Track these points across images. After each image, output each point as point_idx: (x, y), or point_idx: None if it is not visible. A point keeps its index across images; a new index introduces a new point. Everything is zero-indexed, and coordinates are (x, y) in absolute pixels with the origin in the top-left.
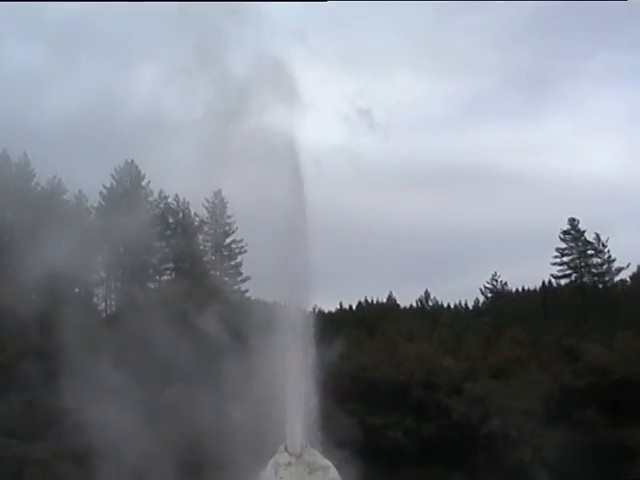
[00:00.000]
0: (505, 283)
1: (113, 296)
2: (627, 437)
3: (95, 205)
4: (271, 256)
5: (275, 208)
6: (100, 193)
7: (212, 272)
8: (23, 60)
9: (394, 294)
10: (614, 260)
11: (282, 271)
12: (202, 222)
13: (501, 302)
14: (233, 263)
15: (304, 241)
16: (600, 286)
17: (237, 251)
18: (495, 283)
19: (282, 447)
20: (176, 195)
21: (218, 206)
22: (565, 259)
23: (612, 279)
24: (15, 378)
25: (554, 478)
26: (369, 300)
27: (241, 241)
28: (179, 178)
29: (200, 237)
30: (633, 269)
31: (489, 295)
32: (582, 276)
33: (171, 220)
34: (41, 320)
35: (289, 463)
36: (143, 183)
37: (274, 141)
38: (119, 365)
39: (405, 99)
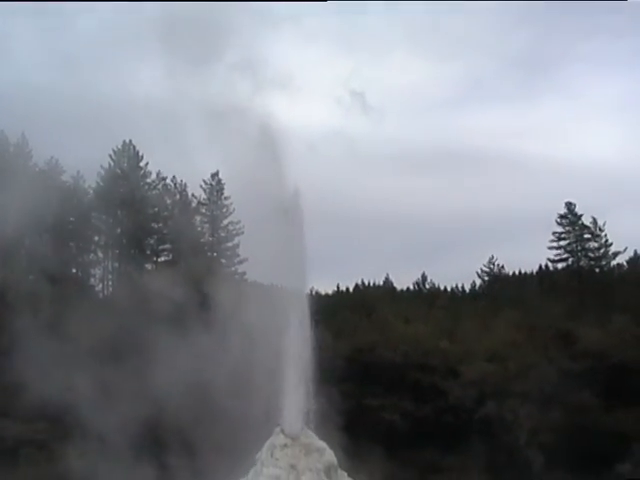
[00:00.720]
0: (502, 266)
1: (110, 277)
2: (622, 421)
3: (93, 186)
4: (267, 239)
5: (268, 190)
6: (98, 174)
7: (209, 253)
8: (21, 41)
9: (391, 277)
10: (611, 244)
11: (278, 254)
12: (199, 203)
13: (498, 285)
14: (230, 244)
15: (299, 224)
16: (597, 270)
17: (234, 233)
18: (492, 266)
19: (278, 429)
20: (174, 176)
21: (215, 187)
22: (562, 243)
23: (609, 263)
24: (12, 359)
25: (549, 461)
26: (366, 283)
27: (238, 222)
28: (176, 159)
29: (197, 218)
30: (630, 253)
31: (486, 278)
32: (579, 260)
33: (169, 201)
34: (37, 301)
35: (285, 445)
36: (141, 164)
37: (264, 124)
38: (115, 347)
39: (402, 83)
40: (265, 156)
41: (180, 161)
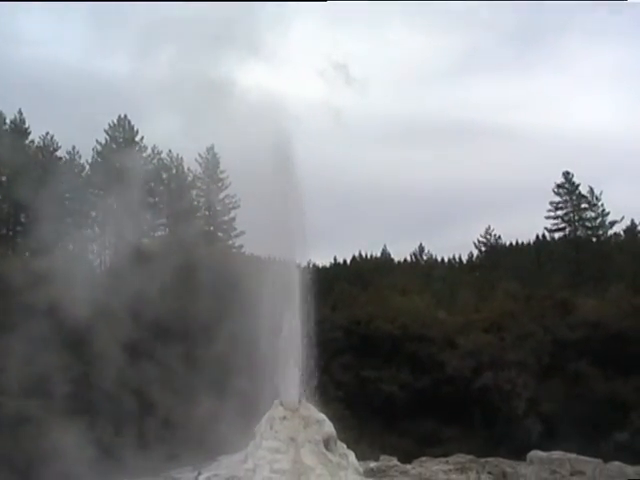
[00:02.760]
0: (499, 237)
1: (107, 252)
2: (620, 390)
3: (89, 161)
4: (264, 211)
5: (264, 163)
6: (94, 149)
7: (206, 227)
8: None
9: (388, 248)
10: (608, 214)
11: (276, 226)
12: (195, 177)
13: (495, 256)
14: (226, 218)
15: (297, 196)
16: (594, 240)
17: (230, 206)
18: (489, 237)
19: (277, 401)
20: (169, 151)
21: (211, 161)
22: (559, 213)
23: (606, 233)
24: (11, 334)
25: (548, 430)
26: (363, 255)
27: (234, 196)
28: (171, 134)
29: (194, 192)
30: (627, 223)
31: (483, 249)
32: (576, 230)
33: (164, 176)
34: (35, 277)
35: (284, 417)
36: (137, 139)
37: (259, 98)
38: (113, 320)
39: (395, 54)
40: (258, 128)
41: (175, 135)
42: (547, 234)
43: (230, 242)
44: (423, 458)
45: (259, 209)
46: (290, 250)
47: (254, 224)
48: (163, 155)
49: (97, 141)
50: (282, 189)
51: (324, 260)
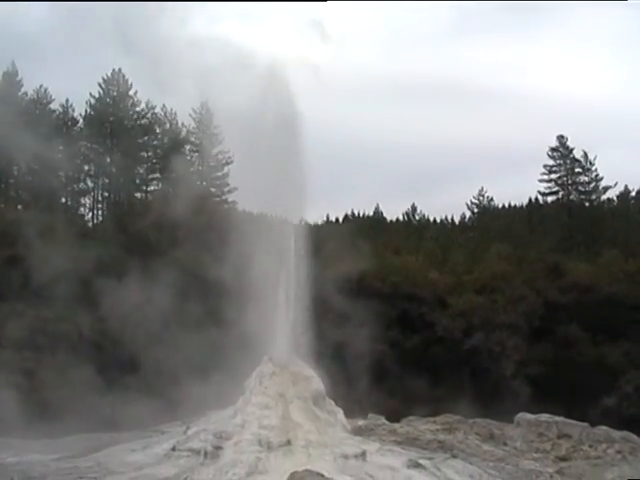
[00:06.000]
0: (491, 199)
1: (100, 206)
2: (609, 354)
3: (82, 114)
4: (262, 168)
5: (265, 120)
6: (87, 102)
7: (199, 182)
8: None
9: (381, 208)
10: (601, 178)
11: (275, 183)
12: (189, 132)
13: (487, 217)
14: (220, 174)
15: (297, 153)
16: (587, 204)
17: (224, 162)
18: (481, 198)
19: (267, 357)
20: (163, 105)
21: (205, 116)
22: (552, 176)
23: (599, 197)
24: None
25: (536, 393)
26: (356, 213)
27: (228, 152)
28: (166, 89)
29: (187, 147)
30: (620, 188)
31: (475, 210)
32: (569, 194)
33: (158, 130)
34: (27, 229)
35: (273, 373)
36: (131, 93)
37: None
38: (103, 274)
39: (393, 14)
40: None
41: (168, 90)
42: (540, 197)
43: (223, 197)
44: (411, 417)
45: (258, 165)
46: (288, 207)
47: (251, 180)
48: (157, 110)
49: (91, 94)
50: (284, 145)
51: (317, 218)
